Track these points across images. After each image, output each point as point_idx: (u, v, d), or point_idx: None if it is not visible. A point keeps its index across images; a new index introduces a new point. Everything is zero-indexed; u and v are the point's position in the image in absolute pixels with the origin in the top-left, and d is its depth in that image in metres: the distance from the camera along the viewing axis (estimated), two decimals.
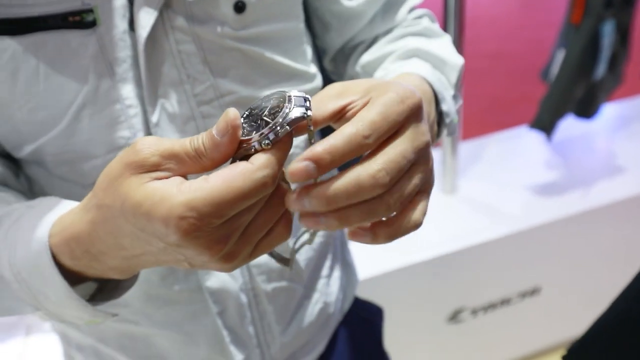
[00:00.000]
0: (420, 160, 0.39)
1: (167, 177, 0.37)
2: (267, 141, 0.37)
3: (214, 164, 0.38)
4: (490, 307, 1.78)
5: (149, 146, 0.38)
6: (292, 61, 0.63)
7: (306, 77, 0.65)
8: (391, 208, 0.38)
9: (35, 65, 0.51)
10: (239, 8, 0.56)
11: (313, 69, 0.65)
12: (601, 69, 1.67)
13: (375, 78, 0.57)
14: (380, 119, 0.37)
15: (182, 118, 0.58)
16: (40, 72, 0.52)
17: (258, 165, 0.35)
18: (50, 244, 0.44)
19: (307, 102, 0.38)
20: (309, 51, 0.66)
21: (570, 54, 1.62)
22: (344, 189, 0.36)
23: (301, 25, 0.63)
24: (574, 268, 1.81)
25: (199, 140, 0.38)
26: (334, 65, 0.74)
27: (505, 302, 1.78)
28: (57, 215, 0.46)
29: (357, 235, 0.40)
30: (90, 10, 0.52)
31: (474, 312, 1.76)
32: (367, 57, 0.66)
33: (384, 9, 0.68)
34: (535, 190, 1.83)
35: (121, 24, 0.54)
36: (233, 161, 0.38)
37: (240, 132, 0.37)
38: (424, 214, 0.40)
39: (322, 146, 0.35)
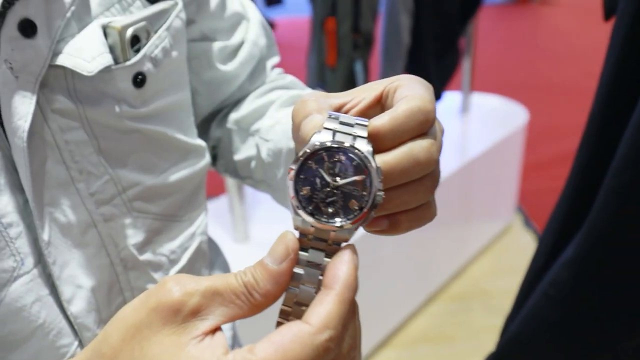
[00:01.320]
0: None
1: (208, 333, 0.29)
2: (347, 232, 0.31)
3: (267, 301, 0.30)
4: None
5: (185, 284, 0.29)
6: (187, 136, 0.55)
7: (199, 152, 0.57)
8: (427, 193, 0.35)
9: None
10: (139, 82, 0.47)
11: (202, 142, 0.58)
12: None
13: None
14: (429, 100, 0.34)
15: (80, 227, 0.45)
16: None
17: (318, 326, 0.28)
18: None
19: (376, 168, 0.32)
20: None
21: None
22: (398, 161, 0.32)
23: (189, 94, 0.56)
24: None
25: (247, 273, 0.30)
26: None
27: None
28: None
29: (374, 223, 0.35)
30: None
31: None
32: (239, 114, 0.63)
33: (252, 71, 0.65)
34: None
35: None
36: None
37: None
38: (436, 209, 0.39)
39: (382, 121, 0.32)
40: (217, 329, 0.29)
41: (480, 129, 2.53)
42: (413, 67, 2.12)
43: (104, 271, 0.48)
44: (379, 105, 0.37)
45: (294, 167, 0.31)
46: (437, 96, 2.29)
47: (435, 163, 0.34)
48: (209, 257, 0.63)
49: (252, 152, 0.60)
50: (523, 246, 2.59)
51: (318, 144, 0.31)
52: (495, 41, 5.49)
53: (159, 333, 0.28)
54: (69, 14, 0.42)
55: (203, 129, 0.67)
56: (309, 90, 0.64)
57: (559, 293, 0.59)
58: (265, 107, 0.61)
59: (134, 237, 0.50)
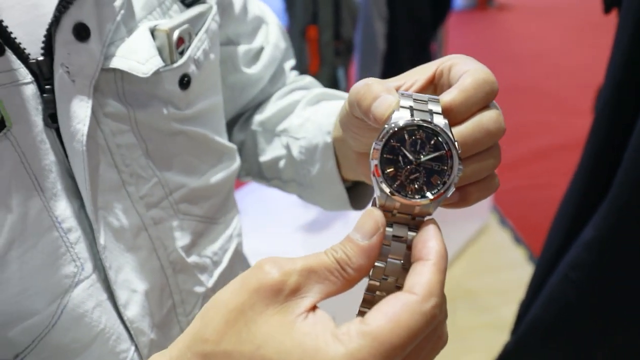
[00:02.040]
0: None
1: (309, 310, 0.30)
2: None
3: (360, 275, 0.31)
4: None
5: (282, 265, 0.30)
6: (222, 138, 0.56)
7: (232, 154, 0.58)
8: (496, 162, 0.36)
9: None
10: (185, 83, 0.47)
11: (233, 144, 0.59)
12: None
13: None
14: (489, 73, 0.36)
15: (132, 231, 0.46)
16: None
17: (423, 294, 0.29)
18: None
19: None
20: None
21: None
22: (471, 132, 0.34)
23: (222, 98, 0.57)
24: None
25: (337, 250, 0.31)
26: None
27: None
28: None
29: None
30: None
31: None
32: (264, 115, 0.64)
33: (273, 74, 0.66)
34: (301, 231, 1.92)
35: (37, 121, 0.39)
36: None
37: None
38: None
39: (453, 95, 0.34)
40: (315, 307, 0.30)
41: None
42: (388, 72, 2.16)
43: (155, 275, 0.48)
44: (432, 85, 0.38)
45: (378, 147, 0.32)
46: None
47: (504, 132, 0.35)
48: (245, 258, 0.64)
49: (279, 152, 0.61)
50: (500, 244, 2.65)
51: (401, 122, 0.32)
52: (459, 46, 5.61)
53: (263, 314, 0.28)
54: (118, 18, 0.43)
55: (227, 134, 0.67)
56: (331, 90, 0.66)
57: (582, 274, 0.61)
58: (290, 107, 0.62)
59: (181, 239, 0.50)
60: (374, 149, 0.33)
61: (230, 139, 0.67)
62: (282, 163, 0.61)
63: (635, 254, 0.58)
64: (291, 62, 0.69)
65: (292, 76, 0.69)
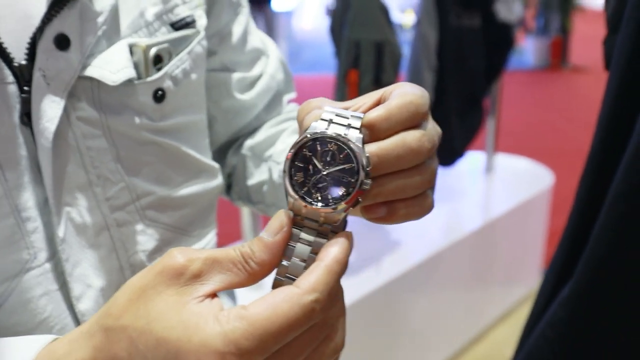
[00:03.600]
0: (434, 152, 0.40)
1: (207, 296, 0.33)
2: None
3: (263, 270, 0.34)
4: None
5: (188, 252, 0.33)
6: (201, 155, 0.59)
7: (212, 173, 0.62)
8: (423, 183, 0.38)
9: None
10: (159, 97, 0.52)
11: (215, 164, 0.63)
12: None
13: None
14: (420, 96, 0.37)
15: (94, 229, 0.49)
16: None
17: (305, 288, 0.32)
18: None
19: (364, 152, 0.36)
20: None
21: None
22: (393, 147, 0.35)
23: (205, 117, 0.61)
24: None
25: (245, 245, 0.34)
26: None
27: None
28: (39, 345, 0.35)
29: (372, 210, 0.38)
30: None
31: None
32: (254, 140, 0.68)
33: (268, 102, 0.70)
34: None
35: (12, 118, 0.44)
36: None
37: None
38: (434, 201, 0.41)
39: (377, 112, 0.35)
40: (215, 295, 0.33)
41: (504, 190, 2.54)
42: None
43: (114, 274, 0.52)
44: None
45: (290, 153, 0.36)
46: (460, 154, 2.32)
47: (427, 152, 0.37)
48: None
49: (264, 176, 0.64)
50: None
51: (312, 132, 0.35)
52: (524, 105, 5.55)
53: (162, 293, 0.32)
54: (100, 32, 0.48)
55: (220, 156, 0.71)
56: None
57: (557, 333, 0.59)
58: (278, 135, 0.66)
59: (145, 244, 0.53)
60: (286, 155, 0.36)
61: (224, 162, 0.71)
62: (265, 187, 0.64)
63: (609, 313, 0.56)
64: (291, 95, 0.73)
65: (290, 107, 0.73)
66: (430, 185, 0.39)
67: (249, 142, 0.68)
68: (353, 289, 1.73)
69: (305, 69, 7.04)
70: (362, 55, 1.70)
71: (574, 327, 0.58)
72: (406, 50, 2.17)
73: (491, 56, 2.28)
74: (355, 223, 0.60)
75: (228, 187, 0.72)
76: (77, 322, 0.49)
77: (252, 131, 0.70)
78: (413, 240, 2.03)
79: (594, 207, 0.59)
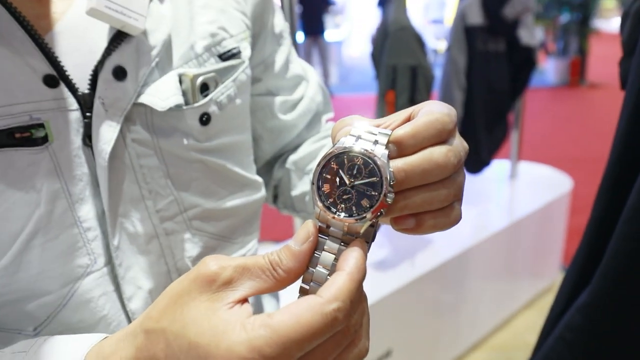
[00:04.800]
0: (461, 166, 0.36)
1: (237, 302, 0.30)
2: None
3: (290, 277, 0.31)
4: None
5: (221, 260, 0.30)
6: (245, 171, 0.56)
7: (255, 187, 0.58)
8: (450, 195, 0.34)
9: None
10: (205, 121, 0.49)
11: (259, 178, 0.60)
12: None
13: None
14: (446, 114, 0.34)
15: (145, 237, 0.47)
16: None
17: (327, 297, 0.29)
18: None
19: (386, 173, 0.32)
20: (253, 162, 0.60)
21: None
22: (420, 162, 0.32)
23: (250, 137, 0.58)
24: (420, 329, 1.88)
25: (273, 253, 0.31)
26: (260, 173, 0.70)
27: None
28: (91, 343, 0.34)
29: (401, 221, 0.34)
30: (41, 126, 0.40)
31: None
32: (297, 155, 0.65)
33: (309, 122, 0.67)
34: (372, 267, 1.89)
35: (76, 140, 0.42)
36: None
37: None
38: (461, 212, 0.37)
39: (404, 130, 0.32)
40: (245, 301, 0.30)
41: (527, 194, 2.42)
42: (465, 136, 2.07)
43: (162, 277, 0.49)
44: None
45: (318, 166, 0.32)
46: (487, 163, 2.23)
47: (453, 167, 0.33)
48: None
49: (306, 188, 0.61)
50: None
51: (341, 147, 0.32)
52: (545, 118, 5.30)
53: (196, 299, 0.29)
54: (153, 64, 0.46)
55: (267, 170, 0.68)
56: None
57: (574, 337, 0.53)
58: (318, 150, 0.63)
59: (190, 250, 0.51)
60: (315, 167, 0.33)
61: (271, 175, 0.68)
62: (307, 197, 0.61)
63: (624, 324, 0.49)
64: (329, 115, 0.70)
65: (328, 126, 0.69)
66: (457, 197, 0.35)
67: (292, 157, 0.65)
68: (389, 282, 1.68)
69: (353, 90, 7.00)
70: (399, 78, 1.64)
71: (592, 333, 0.51)
72: (438, 73, 2.11)
73: (515, 76, 2.18)
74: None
75: (275, 197, 0.69)
76: (129, 319, 0.47)
77: (295, 148, 0.67)
78: (444, 239, 1.96)
79: (610, 218, 0.52)
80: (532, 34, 2.13)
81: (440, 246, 1.91)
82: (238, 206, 0.55)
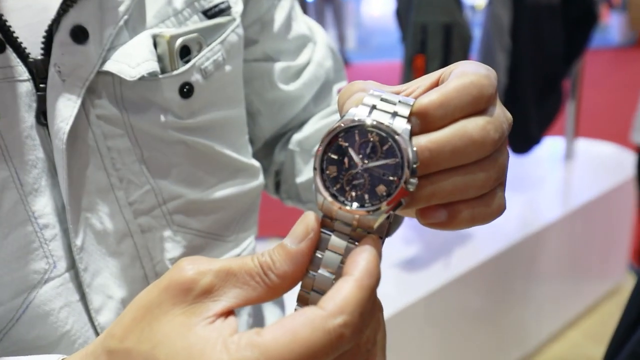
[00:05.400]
0: (503, 142, 0.33)
1: (220, 315, 0.28)
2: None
3: (285, 283, 0.29)
4: None
5: (199, 264, 0.28)
6: (238, 154, 0.55)
7: (251, 173, 0.57)
8: (489, 180, 0.32)
9: None
10: (186, 92, 0.47)
11: (256, 162, 0.58)
12: None
13: None
14: (484, 76, 0.31)
15: (115, 236, 0.46)
16: None
17: (331, 310, 0.26)
18: None
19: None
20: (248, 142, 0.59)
21: None
22: (449, 138, 0.30)
23: (244, 112, 0.56)
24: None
25: (264, 254, 0.29)
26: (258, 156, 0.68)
27: None
28: None
29: (429, 214, 0.32)
30: None
31: None
32: (302, 134, 0.63)
33: (317, 93, 0.65)
34: (400, 266, 1.87)
35: (28, 117, 0.41)
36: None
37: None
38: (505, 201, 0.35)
39: (430, 97, 0.30)
40: (230, 313, 0.28)
41: (585, 177, 2.39)
42: (510, 108, 2.04)
43: (137, 284, 0.48)
44: None
45: (322, 144, 0.30)
46: (536, 141, 2.19)
47: (493, 144, 0.31)
48: None
49: None
50: None
51: (350, 119, 0.30)
52: (608, 86, 5.20)
53: (168, 313, 0.27)
54: (121, 23, 0.44)
55: (267, 153, 0.67)
56: None
57: None
58: (327, 127, 0.60)
59: (172, 251, 0.50)
60: (318, 146, 0.30)
61: (271, 159, 0.66)
62: None
63: None
64: (342, 84, 0.68)
65: None
66: (499, 182, 0.33)
67: (297, 137, 0.63)
68: (418, 285, 1.66)
69: (374, 56, 6.94)
70: (429, 39, 1.61)
71: None
72: (477, 33, 2.07)
73: (571, 34, 2.13)
74: None
75: (277, 185, 0.67)
76: (98, 335, 0.46)
77: (300, 125, 0.65)
78: (485, 233, 1.94)
79: None
80: None
81: (481, 242, 1.89)
82: (230, 197, 0.54)
